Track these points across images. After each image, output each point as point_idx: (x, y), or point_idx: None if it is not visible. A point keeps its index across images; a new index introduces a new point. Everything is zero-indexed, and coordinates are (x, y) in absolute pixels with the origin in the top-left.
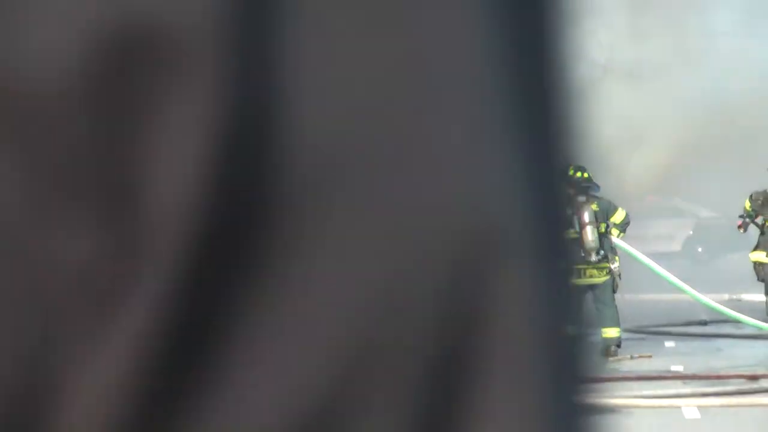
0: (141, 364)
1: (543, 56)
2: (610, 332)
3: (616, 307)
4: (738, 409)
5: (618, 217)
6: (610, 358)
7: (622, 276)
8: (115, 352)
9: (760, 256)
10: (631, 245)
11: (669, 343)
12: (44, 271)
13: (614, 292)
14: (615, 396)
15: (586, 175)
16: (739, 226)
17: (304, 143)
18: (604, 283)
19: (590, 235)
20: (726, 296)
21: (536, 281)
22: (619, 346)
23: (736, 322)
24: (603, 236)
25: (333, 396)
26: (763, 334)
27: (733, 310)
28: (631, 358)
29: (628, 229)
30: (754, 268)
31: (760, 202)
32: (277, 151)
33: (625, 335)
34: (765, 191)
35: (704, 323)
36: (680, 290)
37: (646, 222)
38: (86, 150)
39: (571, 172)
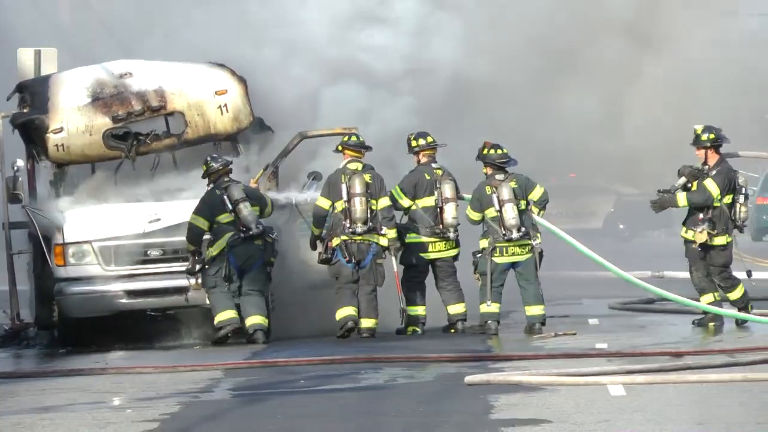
0: None
1: None
2: (534, 310)
3: (539, 284)
4: (663, 386)
5: (536, 193)
6: (534, 336)
7: (543, 253)
8: None
9: (689, 233)
10: (552, 222)
11: (593, 321)
12: None
13: (537, 269)
14: (540, 374)
15: (502, 151)
16: (653, 202)
17: None
18: (527, 260)
19: (511, 212)
20: (648, 273)
21: None
22: (543, 323)
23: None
24: (523, 213)
25: None
26: (686, 310)
27: (656, 286)
28: (556, 335)
29: (551, 206)
30: (684, 244)
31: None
32: None
33: (554, 311)
34: (692, 166)
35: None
36: (603, 267)
37: (567, 199)
38: None
39: (485, 151)
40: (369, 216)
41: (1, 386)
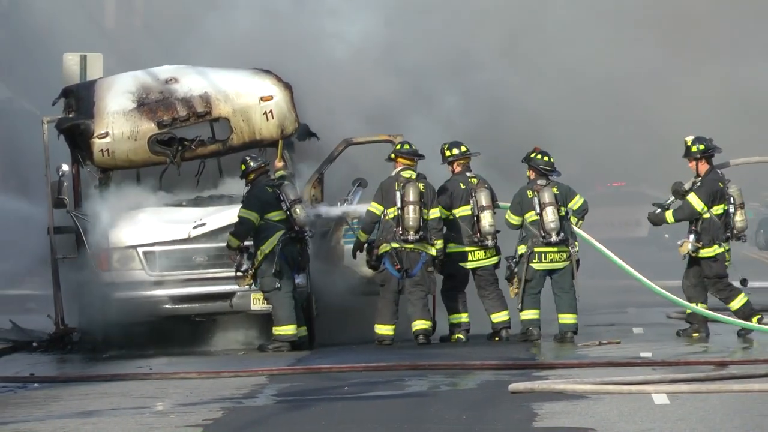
0: None
1: None
2: (567, 318)
3: (574, 293)
4: (707, 395)
5: (576, 203)
6: (568, 344)
7: (580, 262)
8: None
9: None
10: (598, 231)
11: (637, 330)
12: None
13: (573, 278)
14: (584, 382)
15: (547, 158)
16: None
17: None
18: (564, 268)
19: (551, 215)
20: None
21: None
22: (575, 332)
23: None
24: (563, 219)
25: None
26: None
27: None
28: (600, 344)
29: (597, 214)
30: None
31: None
32: None
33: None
34: (682, 183)
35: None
36: (635, 278)
37: (612, 208)
38: None
39: (533, 155)
40: (421, 225)
41: (45, 390)
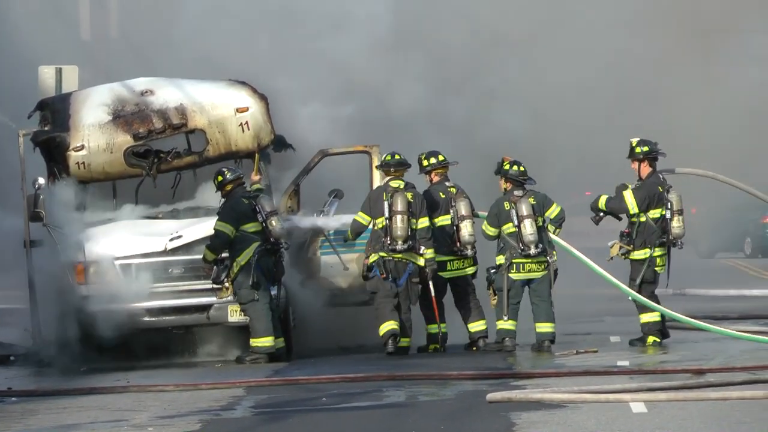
0: None
1: None
2: (544, 327)
3: (551, 302)
4: (685, 404)
5: (553, 211)
6: (546, 353)
7: (558, 271)
8: None
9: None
10: (577, 240)
11: (614, 338)
12: None
13: (550, 287)
14: (561, 391)
15: (521, 168)
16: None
17: None
18: (542, 277)
19: (530, 227)
20: (670, 291)
21: None
22: (552, 341)
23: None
24: (541, 230)
25: None
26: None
27: (677, 304)
28: (577, 353)
29: (575, 224)
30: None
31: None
32: None
33: (576, 328)
34: (623, 185)
35: None
36: (615, 286)
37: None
38: None
39: (506, 167)
40: (409, 234)
41: (22, 404)
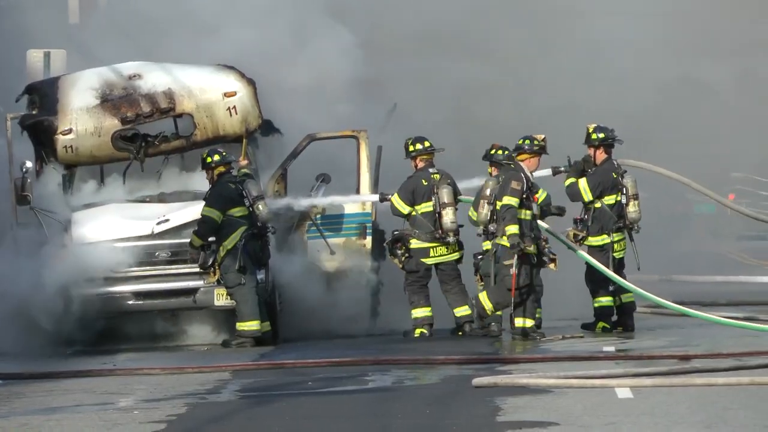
0: None
1: None
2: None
3: (541, 288)
4: (671, 389)
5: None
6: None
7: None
8: None
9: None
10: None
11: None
12: None
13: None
14: (547, 376)
15: (506, 152)
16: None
17: None
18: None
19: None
20: (656, 277)
21: None
22: (539, 326)
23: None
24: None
25: None
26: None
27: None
28: (563, 338)
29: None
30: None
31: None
32: None
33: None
34: (585, 161)
35: None
36: (601, 272)
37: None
38: None
39: (493, 151)
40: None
41: (8, 387)
